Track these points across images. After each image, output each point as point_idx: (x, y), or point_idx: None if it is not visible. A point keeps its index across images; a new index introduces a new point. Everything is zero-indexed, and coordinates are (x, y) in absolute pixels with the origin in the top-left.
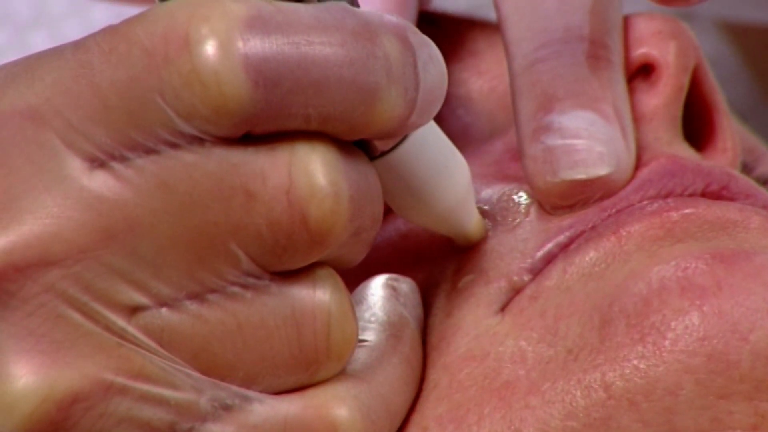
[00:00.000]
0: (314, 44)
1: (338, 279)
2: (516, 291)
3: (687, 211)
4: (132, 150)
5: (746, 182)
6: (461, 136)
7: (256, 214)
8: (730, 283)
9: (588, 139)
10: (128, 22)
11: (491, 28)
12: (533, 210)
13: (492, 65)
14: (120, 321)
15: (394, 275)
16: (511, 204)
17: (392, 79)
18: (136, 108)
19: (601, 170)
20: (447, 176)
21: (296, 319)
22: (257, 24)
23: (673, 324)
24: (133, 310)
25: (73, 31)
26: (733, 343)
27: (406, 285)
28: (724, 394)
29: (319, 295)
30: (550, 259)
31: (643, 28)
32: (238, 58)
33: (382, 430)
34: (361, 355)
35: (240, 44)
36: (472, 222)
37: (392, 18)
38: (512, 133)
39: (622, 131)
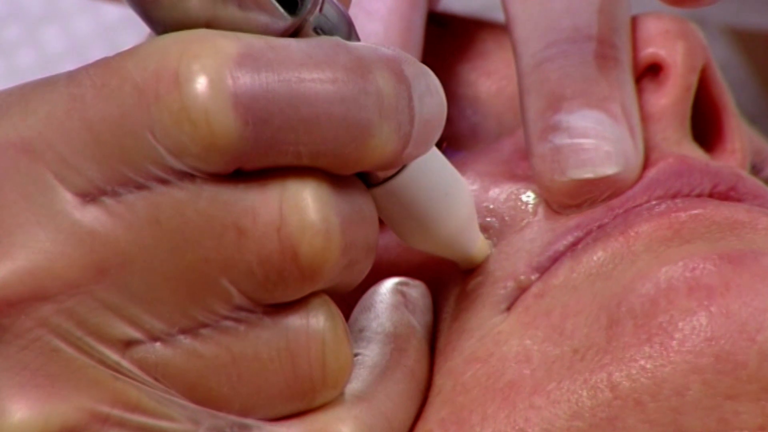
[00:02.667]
0: (305, 81)
1: (332, 305)
2: (522, 290)
3: (695, 211)
4: (123, 185)
5: (754, 183)
6: (470, 137)
7: (247, 250)
8: (737, 284)
9: (596, 139)
10: (121, 57)
11: (500, 29)
12: (541, 209)
13: (500, 66)
14: (114, 355)
15: (404, 279)
16: (519, 204)
17: (384, 114)
18: (128, 144)
19: (609, 169)
20: (449, 202)
21: (291, 349)
22: (248, 61)
23: (680, 324)
24: (127, 345)
25: (84, 27)
26: (740, 343)
27: (416, 290)
28: (731, 395)
29: (312, 324)
30: (557, 258)
31: (651, 27)
32: (227, 96)
33: None
34: (362, 373)
35: (230, 82)
36: (475, 246)
37: (387, 51)
38: (521, 133)
39: (630, 131)
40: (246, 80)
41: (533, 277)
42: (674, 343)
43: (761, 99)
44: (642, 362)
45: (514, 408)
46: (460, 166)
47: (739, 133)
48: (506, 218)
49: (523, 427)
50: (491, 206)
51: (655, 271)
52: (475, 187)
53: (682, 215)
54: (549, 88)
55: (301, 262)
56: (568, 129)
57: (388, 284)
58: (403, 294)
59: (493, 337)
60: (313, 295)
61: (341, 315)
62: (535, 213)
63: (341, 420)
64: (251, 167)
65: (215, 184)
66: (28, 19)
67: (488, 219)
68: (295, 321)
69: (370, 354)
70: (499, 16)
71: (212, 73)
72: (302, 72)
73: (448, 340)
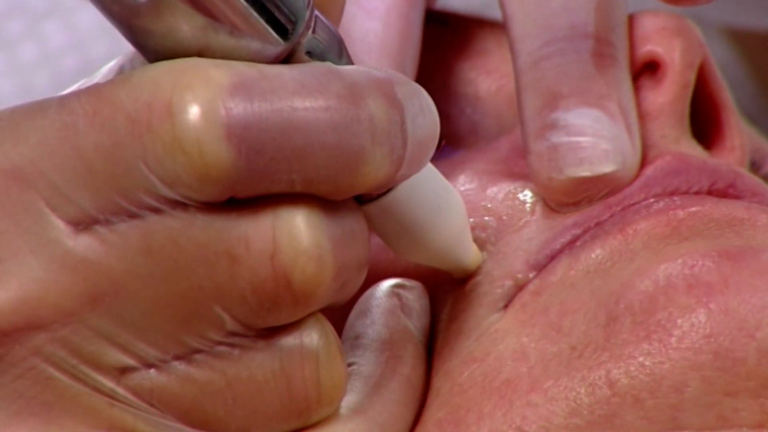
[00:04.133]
0: (297, 110)
1: (324, 323)
2: (520, 288)
3: (693, 209)
4: (116, 214)
5: (753, 180)
6: (469, 135)
7: (240, 278)
8: (736, 281)
9: (593, 137)
10: (113, 85)
11: (499, 27)
12: (538, 208)
13: (500, 64)
14: (109, 382)
15: (400, 281)
16: (517, 203)
17: (377, 140)
18: (120, 173)
19: (607, 167)
20: (442, 216)
21: (285, 369)
22: (240, 91)
23: (679, 321)
24: (122, 372)
25: (86, 21)
26: (739, 340)
27: (412, 292)
28: (730, 392)
29: (306, 343)
30: (554, 256)
31: (648, 25)
32: (220, 126)
33: None
34: (358, 384)
35: (222, 112)
36: (469, 257)
37: (379, 74)
38: (519, 131)
39: (628, 129)
40: (238, 110)
41: (531, 275)
42: (673, 340)
43: (759, 98)
44: (641, 359)
45: (511, 406)
46: (458, 165)
47: (738, 130)
48: (504, 217)
49: (521, 425)
50: (489, 205)
51: (653, 268)
52: (473, 185)
53: (680, 213)
54: (546, 86)
55: (294, 288)
56: (566, 127)
57: (384, 287)
58: (399, 297)
59: (490, 336)
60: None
61: (334, 332)
62: (532, 212)
63: None
64: (244, 195)
65: (208, 212)
66: (29, 13)
67: (486, 218)
68: (288, 341)
69: (366, 363)
70: (498, 15)
71: (205, 104)
72: (294, 100)
73: (446, 341)
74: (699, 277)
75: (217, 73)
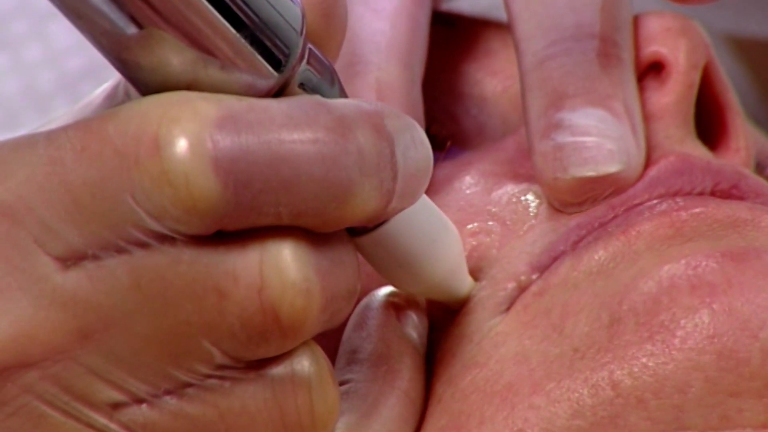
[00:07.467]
0: (285, 143)
1: (315, 348)
2: (522, 290)
3: (696, 210)
4: (104, 249)
5: (757, 181)
6: (475, 135)
7: (228, 313)
8: (740, 281)
9: (598, 137)
10: (101, 119)
11: (505, 28)
12: (542, 211)
13: (505, 65)
14: (102, 418)
15: (396, 291)
16: (521, 207)
17: (366, 173)
18: (108, 207)
19: (611, 168)
20: (437, 249)
21: (277, 399)
22: (228, 124)
23: (682, 322)
24: (114, 407)
25: None
26: (743, 340)
27: (409, 300)
28: (734, 392)
29: (297, 371)
30: (557, 257)
31: (653, 25)
32: (207, 159)
33: None
34: (355, 403)
35: (209, 145)
36: (464, 288)
37: (368, 107)
38: (524, 131)
39: (632, 129)
40: (226, 143)
41: (533, 276)
42: (676, 340)
43: (762, 107)
44: (644, 360)
45: (512, 409)
46: (464, 165)
47: (743, 131)
48: (508, 223)
49: (522, 428)
50: (493, 210)
51: (657, 269)
52: (478, 188)
53: (684, 214)
54: (551, 86)
55: (282, 322)
56: (571, 127)
57: (380, 296)
58: (395, 306)
59: (492, 339)
60: None
61: (325, 356)
62: (536, 215)
63: None
64: (232, 229)
65: (196, 247)
66: (34, 13)
67: (490, 223)
68: (279, 371)
69: (363, 380)
70: (504, 16)
71: (192, 137)
72: (282, 133)
73: (448, 347)
74: (702, 278)
75: (205, 106)
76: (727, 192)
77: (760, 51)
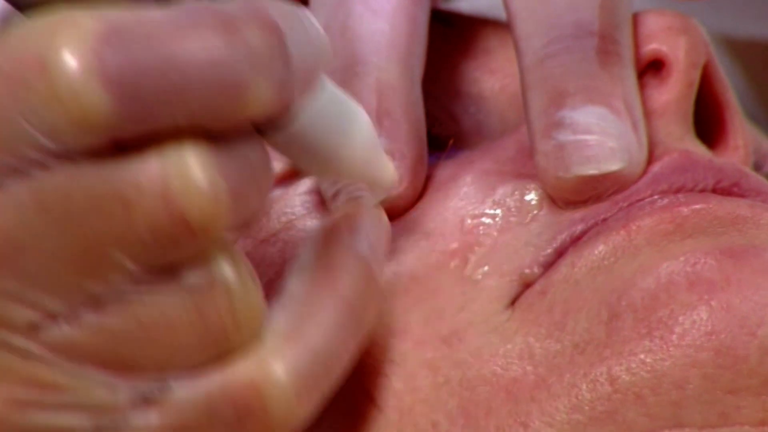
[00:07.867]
0: (173, 50)
1: (233, 251)
2: (526, 285)
3: (697, 206)
4: (5, 174)
5: (757, 179)
6: (474, 134)
7: (135, 222)
8: (738, 278)
9: (599, 135)
10: None
11: (503, 27)
12: (546, 205)
13: (504, 64)
14: (21, 340)
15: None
16: (524, 201)
17: (258, 69)
18: (3, 132)
19: (613, 165)
20: (348, 138)
21: (196, 303)
22: (112, 37)
23: (680, 318)
24: (32, 328)
25: None
26: (741, 337)
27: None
28: (731, 389)
29: (215, 274)
30: (561, 252)
31: (652, 23)
32: (95, 73)
33: (320, 385)
34: (292, 307)
35: (95, 60)
36: (386, 174)
37: (255, 3)
38: (525, 130)
39: (634, 126)
40: (112, 55)
41: (537, 271)
42: (674, 337)
43: (757, 109)
44: (642, 356)
45: (516, 402)
46: (465, 164)
47: (742, 130)
48: (512, 209)
49: (525, 421)
50: (497, 198)
51: (656, 265)
52: (480, 186)
53: (685, 210)
54: (552, 84)
55: (191, 224)
56: (572, 125)
57: (333, 215)
58: (348, 221)
59: (499, 335)
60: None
61: (246, 260)
62: (540, 208)
63: (264, 362)
64: (128, 138)
65: (95, 161)
66: None
67: (494, 210)
68: (197, 276)
69: (301, 285)
70: (502, 15)
71: (77, 53)
72: (169, 41)
73: (454, 330)
74: (701, 275)
75: (89, 21)
76: (728, 189)
77: (756, 53)
